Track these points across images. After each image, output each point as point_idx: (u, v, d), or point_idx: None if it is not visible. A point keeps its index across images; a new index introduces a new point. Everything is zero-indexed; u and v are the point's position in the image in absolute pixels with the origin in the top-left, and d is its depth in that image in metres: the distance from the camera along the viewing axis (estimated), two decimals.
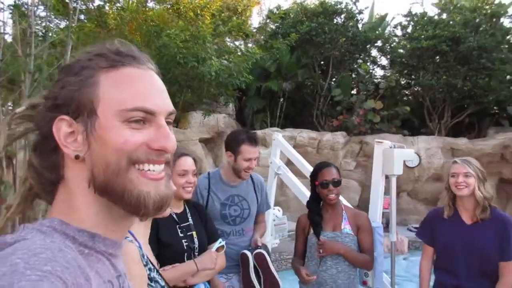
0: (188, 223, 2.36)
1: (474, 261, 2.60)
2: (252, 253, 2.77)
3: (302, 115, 12.10)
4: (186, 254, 2.23)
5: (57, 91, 0.67)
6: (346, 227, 2.88)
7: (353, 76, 12.24)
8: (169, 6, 8.56)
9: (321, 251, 2.76)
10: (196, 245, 2.30)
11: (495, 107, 11.38)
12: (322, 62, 12.06)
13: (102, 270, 0.66)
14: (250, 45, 11.13)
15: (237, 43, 10.80)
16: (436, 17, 11.69)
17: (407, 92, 12.67)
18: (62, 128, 0.66)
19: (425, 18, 11.41)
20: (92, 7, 8.14)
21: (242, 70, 7.88)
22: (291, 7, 12.28)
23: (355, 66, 12.21)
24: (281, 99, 11.62)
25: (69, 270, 0.56)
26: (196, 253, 2.28)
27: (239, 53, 9.25)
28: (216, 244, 2.39)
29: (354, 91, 12.07)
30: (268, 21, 12.62)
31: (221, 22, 8.72)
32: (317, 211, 2.96)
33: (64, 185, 0.69)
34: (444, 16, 11.73)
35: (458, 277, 2.66)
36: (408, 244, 7.43)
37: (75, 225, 0.65)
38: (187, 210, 2.42)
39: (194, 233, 2.33)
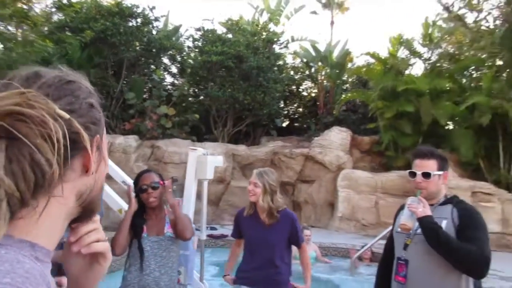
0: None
1: (267, 253, 3.17)
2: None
3: None
4: None
5: (89, 111, 0.70)
6: (168, 231, 3.04)
7: (147, 81, 12.33)
8: None
9: None
10: None
11: (266, 119, 13.33)
12: (114, 64, 11.73)
13: (50, 277, 0.68)
14: (33, 35, 9.88)
15: (11, 28, 9.41)
16: (223, 35, 12.92)
17: (194, 100, 13.54)
18: (96, 145, 0.71)
19: (215, 35, 12.49)
20: None
21: (28, 63, 6.99)
22: (83, 1, 11.51)
23: (149, 71, 12.34)
24: None
25: (29, 280, 0.56)
26: None
27: (14, 41, 8.11)
28: None
29: (146, 96, 12.18)
30: (54, 10, 11.48)
31: (1, 5, 7.51)
32: (140, 215, 3.03)
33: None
34: (230, 35, 13.09)
35: (254, 264, 3.20)
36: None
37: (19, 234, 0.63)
38: None
39: None
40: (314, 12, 19.07)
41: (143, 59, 11.76)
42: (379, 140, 11.45)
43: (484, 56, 10.89)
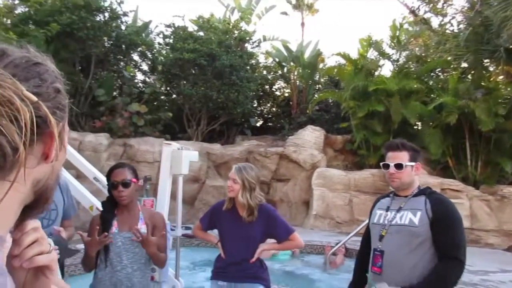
0: None
1: (244, 249, 3.11)
2: None
3: None
4: None
5: (56, 96, 0.67)
6: (142, 227, 2.92)
7: (116, 77, 12.02)
8: None
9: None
10: None
11: (240, 118, 13.26)
12: (82, 59, 11.36)
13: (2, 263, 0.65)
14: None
15: None
16: (195, 33, 12.77)
17: (167, 99, 13.33)
18: (57, 132, 0.68)
19: (186, 32, 12.32)
20: None
21: None
22: None
23: (119, 67, 12.04)
24: None
25: None
26: None
27: None
28: None
29: (116, 93, 11.87)
30: (17, 2, 11.01)
31: None
32: (111, 210, 2.90)
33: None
34: (202, 33, 12.94)
35: (231, 259, 3.14)
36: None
37: None
38: None
39: None
40: (285, 13, 19.18)
41: (112, 55, 11.44)
42: (352, 139, 11.60)
43: (449, 58, 11.21)
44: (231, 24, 13.64)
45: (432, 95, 11.43)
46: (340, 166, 11.38)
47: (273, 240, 3.25)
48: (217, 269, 3.24)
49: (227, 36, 12.51)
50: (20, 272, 0.72)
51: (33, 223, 0.71)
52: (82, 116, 11.00)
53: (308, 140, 11.02)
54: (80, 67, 11.27)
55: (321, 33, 30.23)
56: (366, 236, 2.76)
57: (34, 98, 0.60)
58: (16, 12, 10.70)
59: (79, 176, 4.49)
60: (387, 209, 2.59)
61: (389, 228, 2.49)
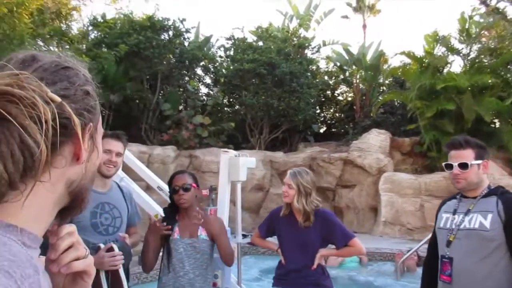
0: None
1: (304, 255, 3.05)
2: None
3: (130, 128, 11.73)
4: None
5: (85, 98, 0.69)
6: (202, 233, 2.99)
7: (181, 91, 12.52)
8: None
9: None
10: None
11: (302, 125, 13.18)
12: (149, 76, 12.01)
13: (38, 262, 0.66)
14: (69, 52, 10.29)
15: (54, 48, 9.86)
16: (254, 43, 12.96)
17: (230, 110, 13.62)
18: (89, 134, 0.71)
19: (245, 43, 12.55)
20: None
21: None
22: (117, 18, 11.89)
23: (183, 82, 12.53)
24: (107, 112, 11.08)
25: (16, 263, 0.56)
26: None
27: None
28: None
29: (181, 107, 12.36)
30: (90, 28, 11.93)
31: (40, 24, 7.86)
32: (172, 216, 2.99)
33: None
34: (261, 43, 13.11)
35: (291, 266, 3.08)
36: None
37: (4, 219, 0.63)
38: None
39: None
40: (346, 17, 18.85)
41: (176, 70, 11.95)
42: (421, 141, 11.05)
43: None
44: (289, 32, 13.69)
45: (509, 90, 10.56)
46: (408, 170, 10.85)
47: (333, 246, 3.17)
48: (278, 276, 3.21)
49: (286, 44, 12.56)
50: (58, 276, 0.74)
51: (69, 228, 0.73)
52: (151, 130, 11.57)
53: (373, 144, 10.66)
54: (148, 84, 11.89)
55: (383, 33, 29.28)
56: (433, 242, 2.57)
57: (58, 99, 0.62)
58: (91, 37, 11.60)
59: (148, 187, 4.70)
60: (454, 212, 2.39)
61: (457, 233, 2.30)
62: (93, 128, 0.71)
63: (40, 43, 8.44)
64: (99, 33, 11.12)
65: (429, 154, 10.80)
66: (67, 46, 9.55)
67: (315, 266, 3.06)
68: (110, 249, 2.60)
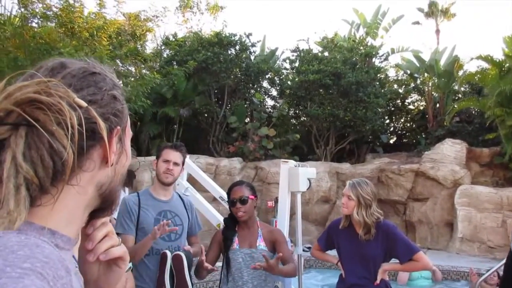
0: None
1: (364, 269, 2.93)
2: (172, 254, 2.76)
3: (198, 141, 12.18)
4: None
5: (112, 103, 0.71)
6: (261, 244, 2.99)
7: (247, 104, 12.76)
8: (56, 25, 8.06)
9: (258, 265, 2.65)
10: None
11: (370, 136, 12.79)
12: (217, 90, 12.39)
13: (71, 264, 0.67)
14: (144, 71, 10.99)
15: (131, 68, 10.58)
16: (319, 54, 12.87)
17: (296, 121, 13.60)
18: (116, 138, 0.72)
19: (311, 54, 12.51)
20: None
21: (140, 94, 7.72)
22: (187, 36, 12.47)
23: (249, 95, 12.77)
24: (177, 125, 11.59)
25: (49, 265, 0.57)
26: None
27: (133, 78, 9.07)
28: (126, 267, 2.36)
29: (247, 119, 12.58)
30: (163, 47, 12.62)
31: (117, 45, 8.48)
32: (232, 227, 3.03)
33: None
34: (326, 53, 12.99)
35: (352, 281, 2.99)
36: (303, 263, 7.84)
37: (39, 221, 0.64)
38: None
39: None
40: (417, 23, 18.13)
41: (242, 84, 12.22)
42: (501, 151, 10.21)
43: None
44: (356, 41, 13.43)
45: None
46: (488, 183, 10.05)
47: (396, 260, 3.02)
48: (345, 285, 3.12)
49: (352, 53, 12.33)
50: (92, 267, 0.77)
51: (102, 219, 0.76)
52: (218, 143, 11.90)
53: (448, 154, 10.04)
54: (215, 98, 12.28)
55: (457, 37, 27.62)
56: (510, 262, 2.35)
57: (84, 104, 0.64)
58: (164, 55, 12.28)
59: (215, 199, 4.84)
60: None
61: None
62: (121, 131, 0.72)
63: (119, 63, 9.13)
64: (171, 52, 11.73)
65: (511, 165, 9.95)
66: (142, 65, 10.22)
67: (377, 281, 2.94)
68: (177, 257, 2.74)
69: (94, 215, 0.74)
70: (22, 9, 7.83)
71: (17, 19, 7.77)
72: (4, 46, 6.82)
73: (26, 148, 0.59)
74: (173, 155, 2.94)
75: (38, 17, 7.92)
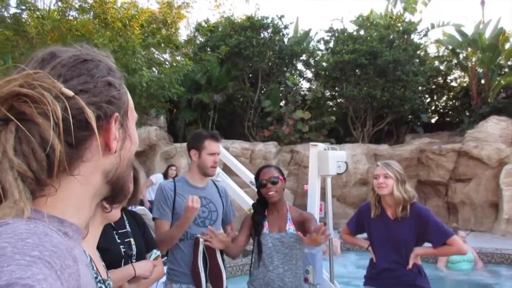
0: (125, 230, 2.34)
1: (396, 252, 2.87)
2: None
3: (234, 126, 12.23)
4: (123, 260, 2.21)
5: (107, 89, 0.69)
6: (290, 227, 2.97)
7: (281, 88, 12.65)
8: (92, 16, 8.27)
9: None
10: (134, 252, 2.29)
11: (410, 116, 12.37)
12: (251, 75, 12.34)
13: (80, 254, 0.67)
14: (178, 57, 11.09)
15: (165, 55, 10.72)
16: (355, 33, 12.50)
17: (331, 103, 13.36)
18: (116, 124, 0.70)
19: (345, 34, 12.18)
20: (8, 15, 7.65)
21: (173, 81, 7.82)
22: (219, 21, 12.45)
23: (283, 78, 12.64)
24: (212, 111, 11.69)
25: (57, 254, 0.57)
26: (134, 260, 2.28)
27: (167, 65, 9.18)
28: (153, 254, 2.42)
29: (282, 103, 12.48)
30: (196, 34, 12.68)
31: (150, 34, 8.60)
32: (261, 212, 3.03)
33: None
34: (362, 32, 12.59)
35: (383, 265, 2.94)
36: (340, 245, 7.76)
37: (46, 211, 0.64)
38: (124, 218, 2.39)
39: (131, 240, 2.32)
40: None
41: (276, 67, 12.10)
42: None
43: None
44: (393, 17, 12.92)
45: None
46: None
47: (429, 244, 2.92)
48: (370, 275, 3.08)
49: (389, 31, 11.88)
50: None
51: None
52: (253, 127, 11.90)
53: (492, 132, 9.56)
54: (249, 83, 12.25)
55: (502, 9, 25.97)
56: None
57: (71, 94, 0.62)
58: (197, 42, 12.35)
59: (244, 185, 4.84)
60: None
61: None
62: (121, 116, 0.71)
63: (154, 51, 9.27)
64: (203, 38, 11.77)
65: None
66: (176, 52, 10.32)
67: (410, 266, 2.86)
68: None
69: (109, 201, 0.75)
70: (60, 3, 8.08)
71: (55, 13, 8.03)
72: (43, 39, 7.08)
73: (17, 143, 0.59)
74: (217, 147, 2.91)
75: (75, 10, 8.16)
